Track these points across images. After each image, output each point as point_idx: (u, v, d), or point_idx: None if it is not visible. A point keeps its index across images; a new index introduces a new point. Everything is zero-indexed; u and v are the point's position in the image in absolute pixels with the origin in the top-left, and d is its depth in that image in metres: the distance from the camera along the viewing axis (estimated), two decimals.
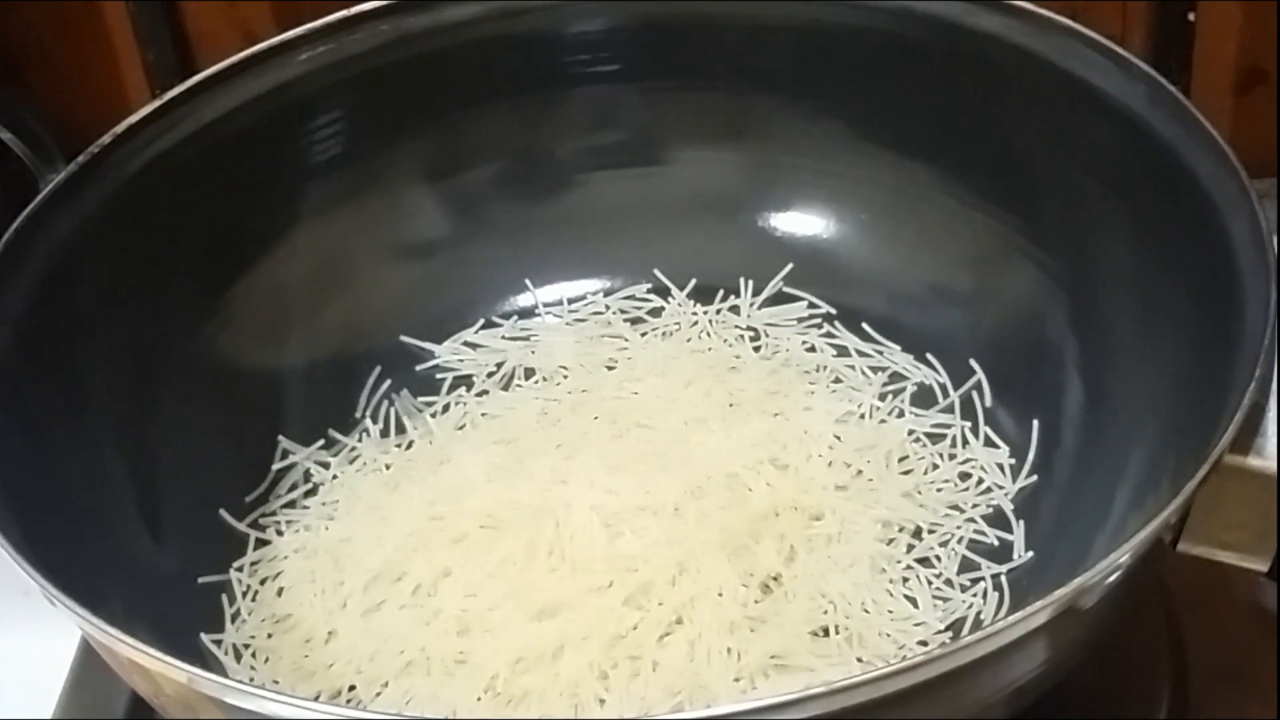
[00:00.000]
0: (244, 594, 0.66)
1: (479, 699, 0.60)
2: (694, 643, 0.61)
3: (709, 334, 0.75)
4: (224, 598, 0.66)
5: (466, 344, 0.76)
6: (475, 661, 0.61)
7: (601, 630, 0.61)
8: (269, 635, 0.65)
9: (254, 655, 0.64)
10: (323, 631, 0.64)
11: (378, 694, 0.61)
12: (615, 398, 0.71)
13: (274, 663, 0.64)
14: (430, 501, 0.67)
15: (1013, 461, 0.68)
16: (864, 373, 0.72)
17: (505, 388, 0.74)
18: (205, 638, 0.64)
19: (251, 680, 0.63)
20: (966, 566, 0.65)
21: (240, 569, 0.67)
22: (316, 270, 0.74)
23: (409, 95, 0.75)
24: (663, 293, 0.77)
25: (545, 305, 0.77)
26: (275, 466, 0.70)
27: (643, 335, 0.75)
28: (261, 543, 0.68)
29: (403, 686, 0.61)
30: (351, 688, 0.62)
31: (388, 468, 0.70)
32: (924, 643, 0.62)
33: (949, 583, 0.64)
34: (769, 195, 0.77)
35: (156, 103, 0.70)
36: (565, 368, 0.74)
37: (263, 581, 0.67)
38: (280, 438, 0.71)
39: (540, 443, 0.69)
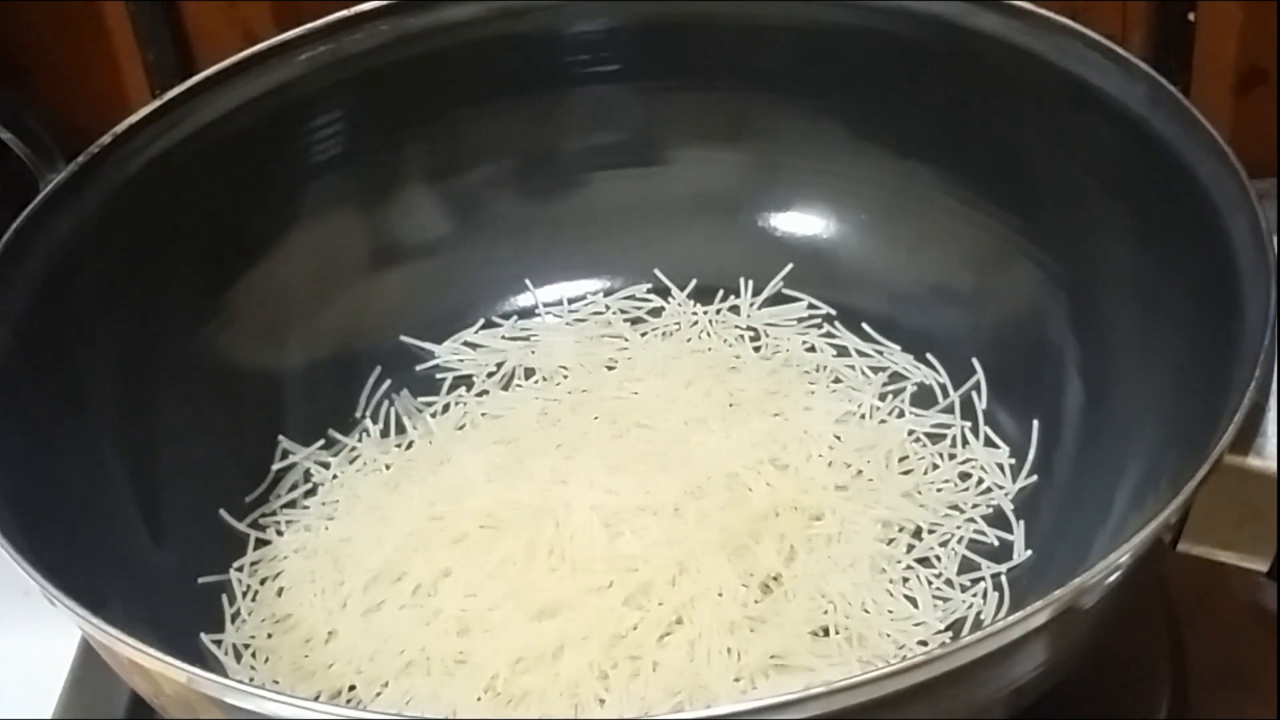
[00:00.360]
0: (244, 594, 0.66)
1: (479, 699, 0.60)
2: (694, 643, 0.61)
3: (709, 334, 0.75)
4: (224, 598, 0.66)
5: (466, 344, 0.76)
6: (475, 661, 0.61)
7: (601, 630, 0.61)
8: (269, 635, 0.65)
9: (254, 655, 0.64)
10: (323, 631, 0.64)
11: (378, 694, 0.61)
12: (615, 398, 0.71)
13: (274, 663, 0.64)
14: (430, 501, 0.67)
15: (1013, 461, 0.68)
16: (864, 373, 0.72)
17: (505, 388, 0.74)
18: (205, 638, 0.64)
19: (251, 680, 0.63)
20: (966, 566, 0.65)
21: (240, 569, 0.67)
22: (316, 270, 0.74)
23: (409, 95, 0.75)
24: (663, 293, 0.77)
25: (545, 305, 0.77)
26: (275, 466, 0.70)
27: (643, 335, 0.75)
28: (261, 543, 0.68)
29: (403, 686, 0.61)
30: (351, 688, 0.62)
31: (388, 468, 0.70)
32: (924, 643, 0.62)
33: (949, 583, 0.64)
34: (769, 195, 0.77)
35: (156, 103, 0.70)
36: (565, 368, 0.74)
37: (263, 581, 0.67)
38: (280, 438, 0.71)
39: (540, 443, 0.69)
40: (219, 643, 0.64)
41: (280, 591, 0.66)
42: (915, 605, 0.63)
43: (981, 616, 0.63)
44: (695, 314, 0.76)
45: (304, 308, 0.74)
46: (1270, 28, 0.82)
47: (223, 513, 0.68)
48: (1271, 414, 0.55)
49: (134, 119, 0.69)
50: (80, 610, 0.52)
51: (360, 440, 0.72)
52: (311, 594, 0.65)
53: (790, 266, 0.76)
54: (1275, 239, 0.58)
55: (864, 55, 0.73)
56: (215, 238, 0.72)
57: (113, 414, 0.66)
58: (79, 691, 0.65)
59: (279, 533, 0.68)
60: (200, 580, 0.66)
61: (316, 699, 0.61)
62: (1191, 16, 0.82)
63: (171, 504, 0.66)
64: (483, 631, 0.62)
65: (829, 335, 0.74)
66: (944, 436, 0.69)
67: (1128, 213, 0.66)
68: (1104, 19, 0.78)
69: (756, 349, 0.74)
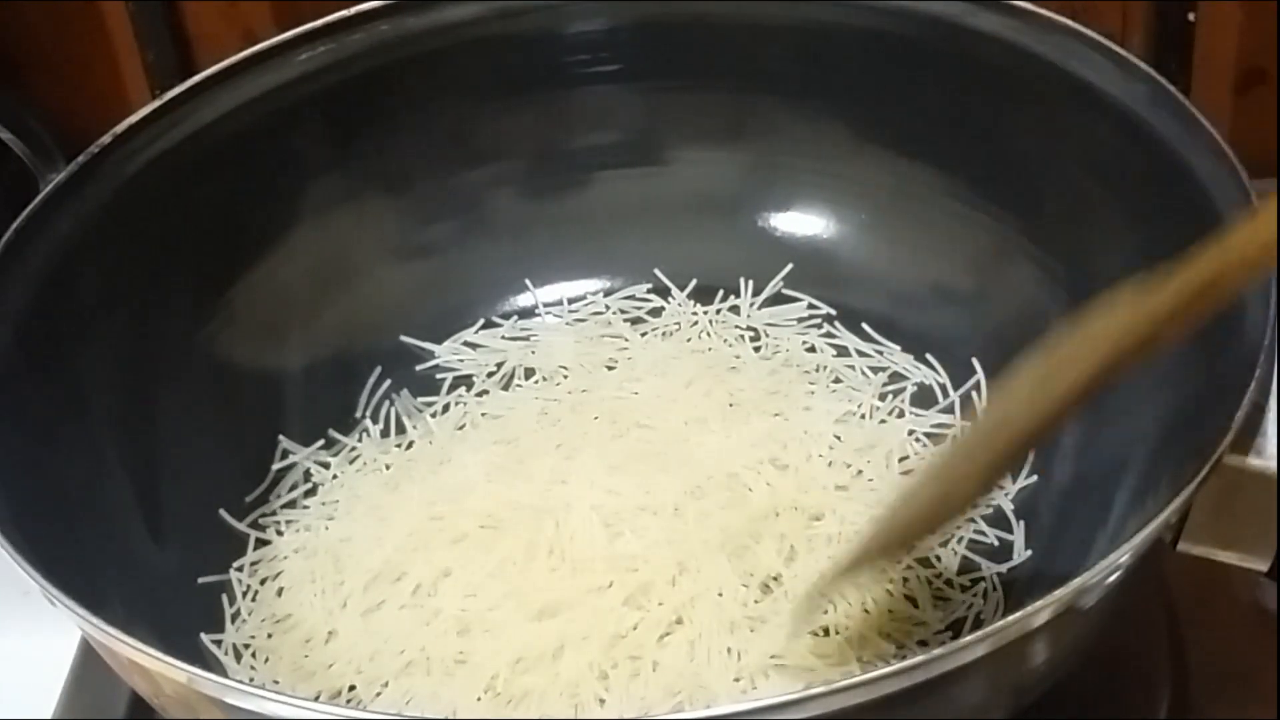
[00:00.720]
0: (244, 594, 0.66)
1: (479, 699, 0.60)
2: (694, 643, 0.61)
3: (709, 334, 0.75)
4: (224, 598, 0.66)
5: (466, 344, 0.76)
6: (475, 661, 0.61)
7: (601, 630, 0.61)
8: (269, 635, 0.65)
9: (254, 655, 0.64)
10: (323, 631, 0.64)
11: (378, 694, 0.61)
12: (615, 398, 0.71)
13: (274, 663, 0.63)
14: (430, 502, 0.67)
15: None
16: (864, 373, 0.72)
17: (505, 388, 0.74)
18: (205, 638, 0.64)
19: (251, 680, 0.62)
20: (966, 566, 0.65)
21: (240, 569, 0.67)
22: (316, 270, 0.74)
23: (409, 95, 0.75)
24: (663, 293, 0.77)
25: (545, 305, 0.77)
26: (275, 466, 0.70)
27: (643, 335, 0.75)
28: (261, 543, 0.68)
29: (403, 686, 0.61)
30: (351, 688, 0.62)
31: (388, 468, 0.70)
32: (924, 643, 0.62)
33: (949, 583, 0.64)
34: (769, 195, 0.77)
35: (156, 103, 0.70)
36: (565, 368, 0.74)
37: (263, 581, 0.67)
38: (280, 438, 0.71)
39: (540, 443, 0.69)
40: (219, 643, 0.64)
41: (280, 591, 0.66)
42: (915, 605, 0.63)
43: (981, 616, 0.63)
44: (695, 314, 0.76)
45: (304, 308, 0.74)
46: (1270, 28, 0.82)
47: (223, 513, 0.68)
48: (1271, 414, 0.55)
49: (134, 119, 0.69)
50: (80, 610, 0.52)
51: (360, 440, 0.72)
52: (311, 594, 0.65)
53: (790, 266, 0.76)
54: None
55: (864, 55, 0.73)
56: (215, 238, 0.72)
57: (113, 414, 0.66)
58: (79, 691, 0.65)
59: (279, 533, 0.68)
60: (200, 580, 0.66)
61: (316, 699, 0.61)
62: (1191, 16, 0.82)
63: (171, 504, 0.66)
64: (483, 631, 0.62)
65: (829, 335, 0.74)
66: (944, 437, 0.69)
67: (1128, 213, 0.66)
68: (1104, 19, 0.79)
69: (756, 349, 0.74)
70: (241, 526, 0.68)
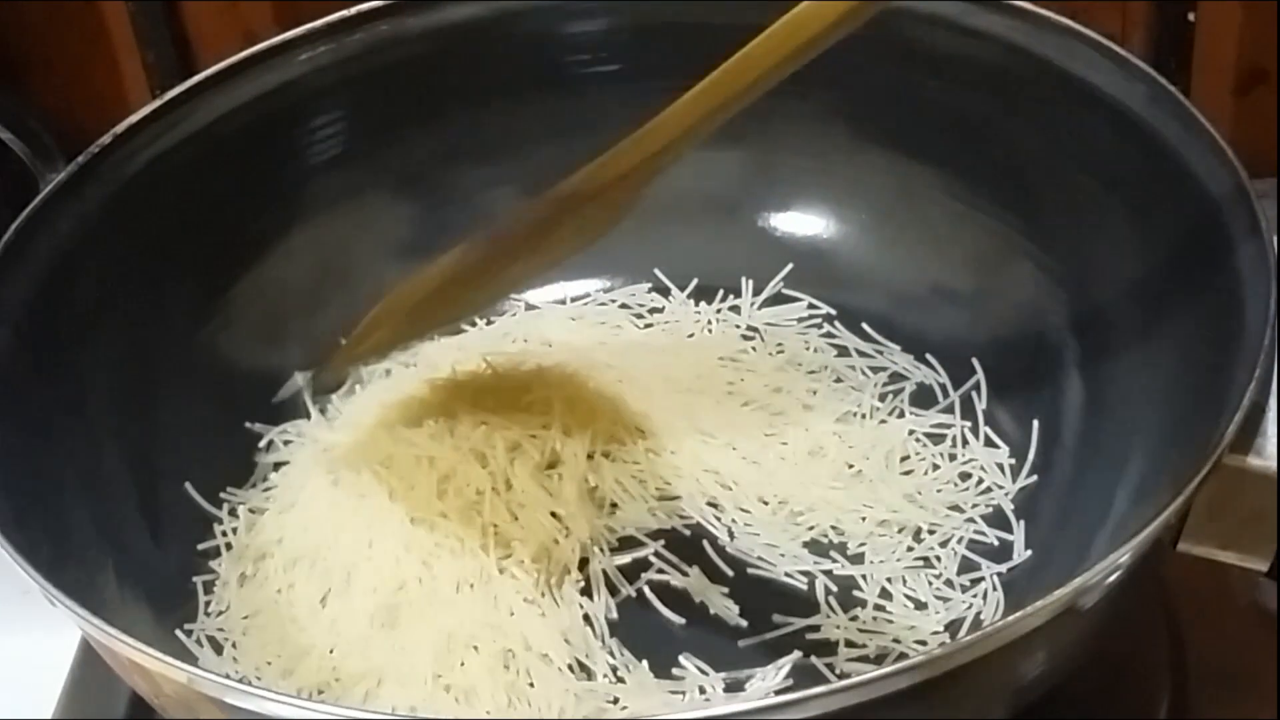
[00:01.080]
0: (239, 588, 0.66)
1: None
2: None
3: (709, 332, 0.75)
4: (224, 597, 0.66)
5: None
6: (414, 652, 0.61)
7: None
8: (244, 633, 0.64)
9: (234, 646, 0.63)
10: (300, 629, 0.63)
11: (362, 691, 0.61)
12: (597, 363, 0.71)
13: (256, 658, 0.63)
14: (410, 504, 0.66)
15: (1013, 461, 0.68)
16: (864, 373, 0.72)
17: None
18: (202, 636, 0.64)
19: (242, 679, 0.62)
20: (966, 566, 0.65)
21: (237, 567, 0.66)
22: (316, 270, 0.74)
23: (409, 95, 0.75)
24: (663, 293, 0.77)
25: (545, 305, 0.77)
26: (273, 464, 0.70)
27: (646, 326, 0.75)
28: (256, 540, 0.68)
29: (370, 688, 0.61)
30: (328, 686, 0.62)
31: (380, 465, 0.70)
32: (924, 643, 0.62)
33: (949, 583, 0.64)
34: (769, 195, 0.77)
35: (156, 103, 0.70)
36: (551, 344, 0.74)
37: (245, 577, 0.66)
38: (279, 435, 0.71)
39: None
40: (211, 639, 0.64)
41: (271, 590, 0.65)
42: (915, 605, 0.63)
43: (981, 616, 0.63)
44: (696, 313, 0.76)
45: (304, 308, 0.74)
46: (1270, 28, 0.82)
47: (220, 511, 0.68)
48: (1271, 414, 0.55)
49: (134, 119, 0.69)
50: (80, 610, 0.52)
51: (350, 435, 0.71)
52: (293, 593, 0.64)
53: (790, 266, 0.76)
54: (1275, 239, 0.58)
55: (864, 55, 0.73)
56: (215, 238, 0.72)
57: (112, 413, 0.66)
58: (79, 691, 0.65)
59: (275, 532, 0.68)
60: (200, 579, 0.66)
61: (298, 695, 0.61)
62: (1191, 16, 0.82)
63: (171, 503, 0.66)
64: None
65: (829, 335, 0.74)
66: (944, 437, 0.69)
67: (1128, 213, 0.66)
68: (1104, 19, 0.78)
69: (756, 350, 0.74)
70: (239, 525, 0.68)
